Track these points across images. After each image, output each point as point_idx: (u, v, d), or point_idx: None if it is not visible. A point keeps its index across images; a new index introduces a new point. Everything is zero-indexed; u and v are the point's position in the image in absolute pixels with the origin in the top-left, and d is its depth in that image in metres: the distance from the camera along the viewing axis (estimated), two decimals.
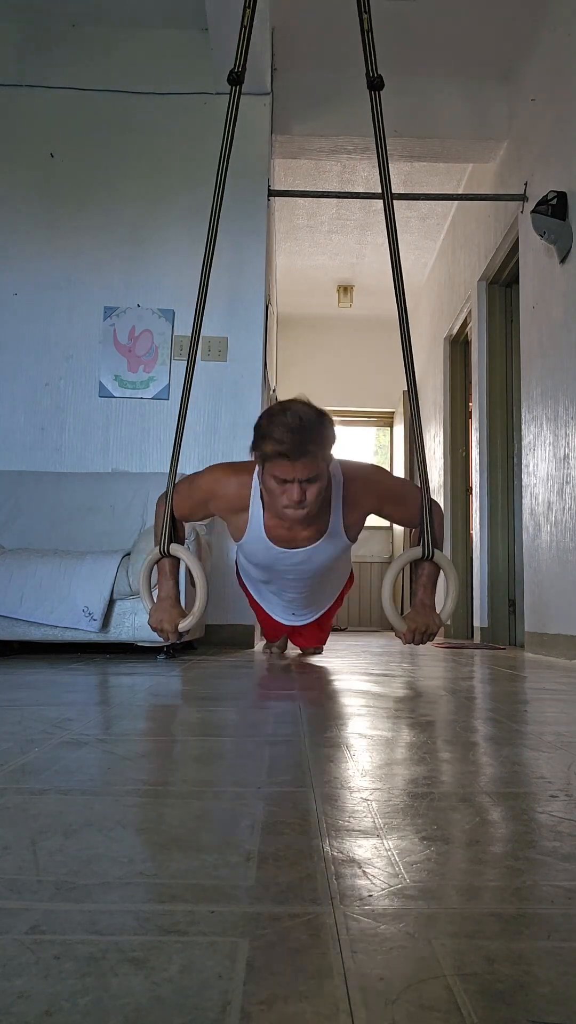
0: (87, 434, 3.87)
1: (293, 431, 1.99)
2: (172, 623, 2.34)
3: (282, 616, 2.77)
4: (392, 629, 2.39)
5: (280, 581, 2.51)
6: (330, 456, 2.13)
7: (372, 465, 2.50)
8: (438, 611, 2.30)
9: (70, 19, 4.05)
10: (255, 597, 2.81)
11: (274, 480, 2.06)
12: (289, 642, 3.41)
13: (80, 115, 4.05)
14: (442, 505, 5.72)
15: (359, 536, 2.41)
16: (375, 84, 2.42)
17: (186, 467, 3.86)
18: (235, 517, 2.33)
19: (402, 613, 2.32)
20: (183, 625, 2.35)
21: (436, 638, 5.38)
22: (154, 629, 2.38)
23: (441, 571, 2.31)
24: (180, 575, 2.57)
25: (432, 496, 2.36)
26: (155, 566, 2.43)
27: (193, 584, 2.64)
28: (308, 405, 2.08)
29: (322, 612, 2.79)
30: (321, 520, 2.26)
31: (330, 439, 2.09)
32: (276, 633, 3.08)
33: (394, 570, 2.32)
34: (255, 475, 2.23)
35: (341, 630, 6.80)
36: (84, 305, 3.94)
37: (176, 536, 2.40)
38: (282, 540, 2.28)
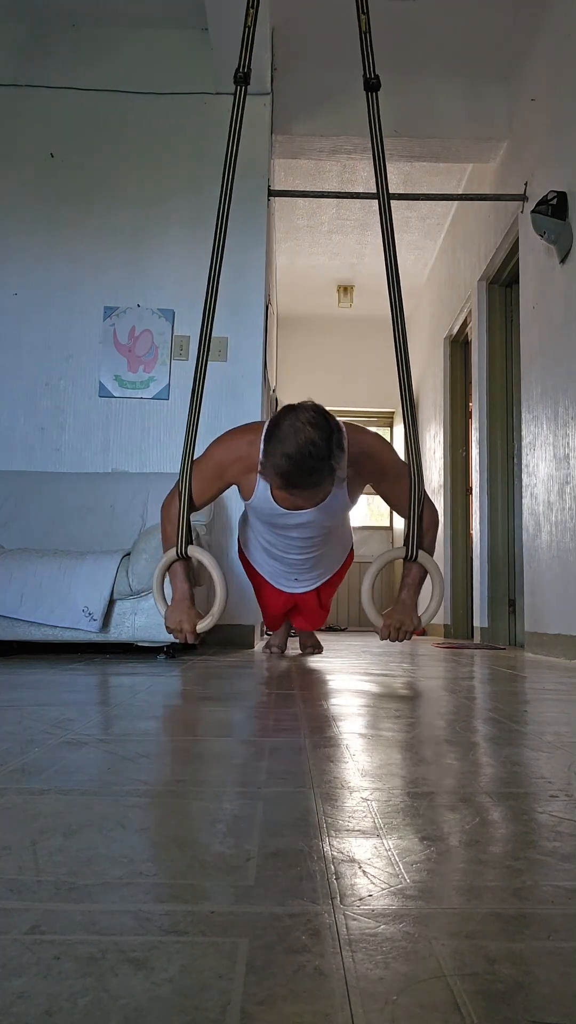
0: (87, 434, 3.87)
1: (299, 467, 1.97)
2: (191, 624, 2.32)
3: (284, 583, 2.75)
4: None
5: (285, 539, 2.52)
6: (336, 470, 2.09)
7: (377, 438, 2.44)
8: (421, 612, 2.32)
9: (70, 19, 4.05)
10: (258, 568, 2.78)
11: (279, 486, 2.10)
12: (288, 644, 3.40)
13: (80, 115, 4.05)
14: (442, 505, 5.71)
15: (359, 500, 2.45)
16: (372, 85, 2.42)
17: None
18: (247, 477, 2.32)
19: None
20: (201, 626, 2.31)
21: (437, 638, 5.39)
22: (171, 631, 2.35)
23: (428, 573, 2.31)
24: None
25: (430, 498, 2.36)
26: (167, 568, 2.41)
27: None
28: (317, 424, 1.99)
29: (323, 580, 2.77)
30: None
31: (336, 468, 2.05)
32: (277, 611, 2.99)
33: (375, 567, 2.37)
34: (263, 435, 2.19)
35: (341, 630, 6.80)
36: (84, 305, 3.94)
37: (190, 537, 2.39)
38: (287, 502, 2.27)
